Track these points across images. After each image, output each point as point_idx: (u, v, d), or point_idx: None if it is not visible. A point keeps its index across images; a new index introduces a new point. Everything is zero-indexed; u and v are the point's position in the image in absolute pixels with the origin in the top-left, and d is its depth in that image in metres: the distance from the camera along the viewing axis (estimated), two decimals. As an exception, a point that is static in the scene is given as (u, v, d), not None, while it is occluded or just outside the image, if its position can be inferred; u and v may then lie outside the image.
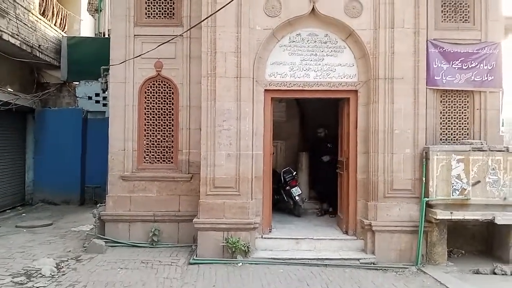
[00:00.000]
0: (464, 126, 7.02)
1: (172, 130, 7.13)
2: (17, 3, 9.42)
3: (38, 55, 10.46)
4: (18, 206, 10.84)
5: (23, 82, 10.93)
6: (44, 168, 11.19)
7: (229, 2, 5.22)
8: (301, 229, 7.27)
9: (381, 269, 6.17)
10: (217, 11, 5.93)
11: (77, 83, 11.65)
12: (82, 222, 8.93)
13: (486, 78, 6.91)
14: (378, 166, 6.47)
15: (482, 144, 6.43)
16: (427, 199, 6.30)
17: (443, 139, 6.98)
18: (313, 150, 9.17)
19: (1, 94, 9.50)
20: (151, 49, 6.59)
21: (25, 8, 9.81)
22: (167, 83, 7.14)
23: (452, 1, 7.01)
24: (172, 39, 6.72)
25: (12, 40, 9.16)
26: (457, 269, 6.22)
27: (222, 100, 6.43)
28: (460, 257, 6.77)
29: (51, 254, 6.47)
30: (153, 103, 7.15)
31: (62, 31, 12.22)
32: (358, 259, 6.36)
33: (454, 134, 7.02)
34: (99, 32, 14.08)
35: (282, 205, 8.71)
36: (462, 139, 6.92)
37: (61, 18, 12.17)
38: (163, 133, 7.17)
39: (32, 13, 10.17)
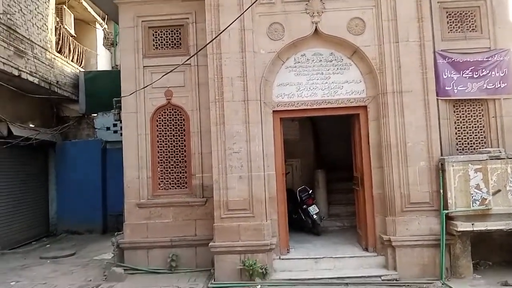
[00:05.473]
0: (481, 135, 6.90)
1: (185, 155, 7.25)
2: (34, 43, 9.89)
3: (56, 91, 10.86)
4: (43, 237, 11.11)
5: (44, 117, 11.35)
6: (66, 199, 11.48)
7: (225, 29, 5.33)
8: (319, 248, 7.18)
9: (404, 285, 6.03)
10: (217, 36, 6.06)
11: (95, 115, 12.01)
12: (104, 250, 9.03)
13: (499, 85, 6.81)
14: (394, 180, 6.39)
15: (500, 152, 6.26)
16: (446, 211, 6.16)
17: (460, 149, 6.86)
18: None
19: (22, 130, 9.88)
20: (159, 79, 6.75)
21: (42, 47, 10.26)
22: (177, 110, 7.29)
23: (458, 12, 6.99)
24: (178, 68, 6.89)
25: (31, 78, 9.56)
26: (484, 282, 6.04)
27: (230, 123, 6.51)
28: (488, 269, 6.57)
29: (72, 284, 6.59)
30: (165, 131, 7.29)
31: (79, 66, 12.70)
32: (380, 276, 6.23)
33: (471, 144, 6.89)
34: (116, 65, 14.55)
35: (300, 224, 8.62)
36: (480, 148, 6.78)
37: (78, 54, 12.67)
38: (176, 159, 7.28)
39: (49, 52, 10.63)
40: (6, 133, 9.48)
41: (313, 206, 8.43)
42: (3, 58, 8.58)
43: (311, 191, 8.74)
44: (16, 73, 8.99)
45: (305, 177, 9.90)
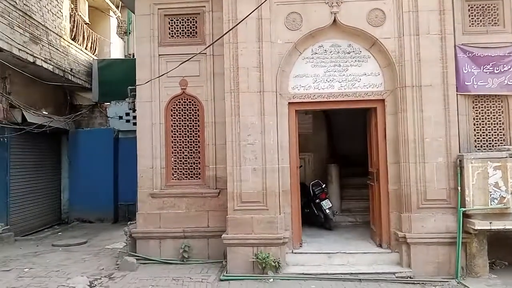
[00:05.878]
0: (500, 132, 6.73)
1: (199, 146, 7.18)
2: (49, 29, 9.88)
3: (70, 78, 10.89)
4: (55, 225, 11.22)
5: (57, 104, 11.39)
6: (78, 187, 11.56)
7: (244, 19, 5.22)
8: (332, 243, 7.11)
9: (418, 283, 5.95)
10: (235, 26, 5.96)
11: (108, 103, 12.02)
12: (116, 239, 9.07)
13: (520, 82, 6.63)
14: (410, 176, 6.28)
15: (520, 150, 6.13)
16: (463, 209, 6.04)
17: (478, 146, 6.71)
18: None
19: (36, 117, 9.92)
20: (174, 68, 6.68)
21: (56, 34, 10.26)
22: (192, 100, 7.21)
23: (480, 5, 6.78)
24: (194, 57, 6.78)
25: (45, 65, 9.58)
26: (501, 282, 5.93)
27: (246, 114, 6.44)
28: (504, 269, 6.44)
29: (85, 272, 6.59)
30: (179, 121, 7.23)
31: (93, 54, 12.70)
32: (394, 273, 6.15)
33: (490, 141, 6.73)
34: (128, 54, 14.55)
35: (313, 218, 8.55)
36: (499, 145, 6.63)
37: (92, 42, 12.67)
38: (190, 150, 7.22)
39: (63, 39, 10.64)
40: (21, 119, 9.53)
41: (326, 200, 8.35)
42: (18, 44, 8.58)
43: (324, 185, 8.66)
44: (31, 59, 9.01)
45: (317, 171, 9.82)
